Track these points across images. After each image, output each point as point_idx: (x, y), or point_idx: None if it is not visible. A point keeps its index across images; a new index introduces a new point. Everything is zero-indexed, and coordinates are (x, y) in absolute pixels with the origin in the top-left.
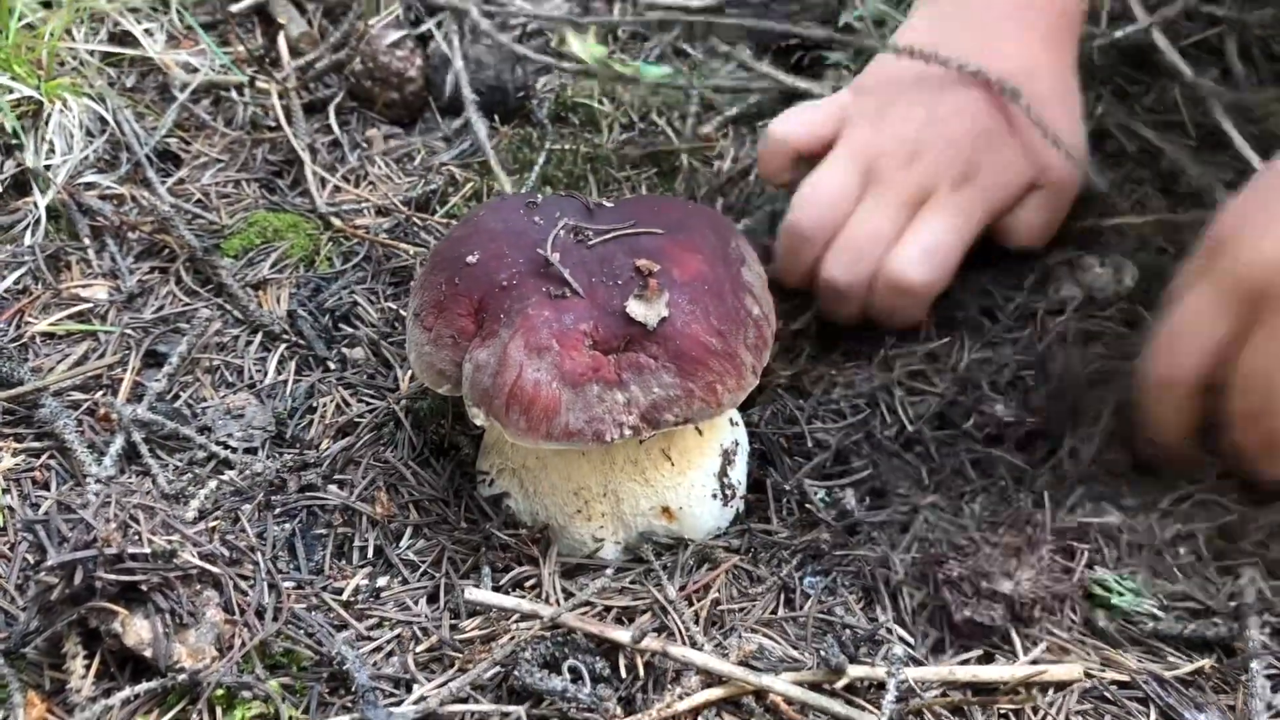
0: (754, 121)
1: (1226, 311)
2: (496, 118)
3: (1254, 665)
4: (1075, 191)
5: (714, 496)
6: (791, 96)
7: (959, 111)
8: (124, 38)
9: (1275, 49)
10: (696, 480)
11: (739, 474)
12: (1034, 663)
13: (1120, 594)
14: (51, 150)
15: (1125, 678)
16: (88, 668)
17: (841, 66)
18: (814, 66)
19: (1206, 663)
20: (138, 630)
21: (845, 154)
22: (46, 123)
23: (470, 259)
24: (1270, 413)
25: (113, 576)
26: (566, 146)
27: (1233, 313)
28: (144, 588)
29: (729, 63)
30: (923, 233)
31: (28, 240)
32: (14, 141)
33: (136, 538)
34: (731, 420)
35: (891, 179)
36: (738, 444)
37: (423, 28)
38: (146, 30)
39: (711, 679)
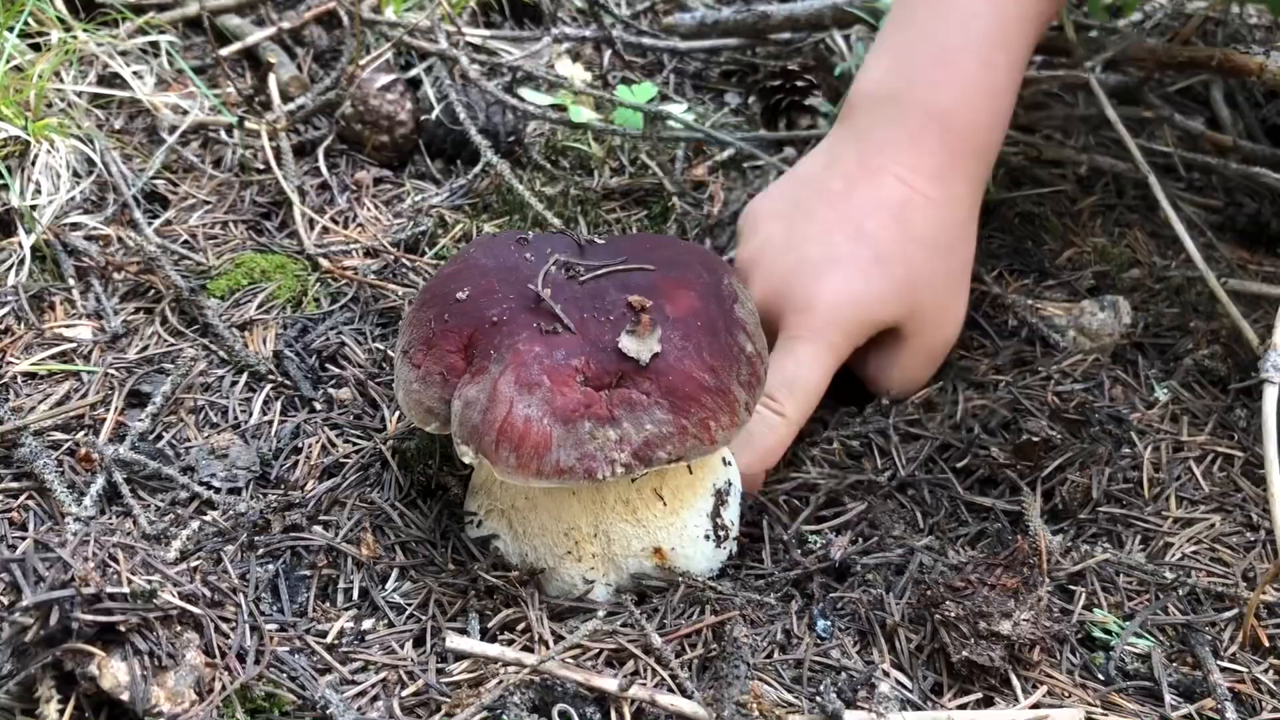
0: (744, 164)
1: None
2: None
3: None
4: (941, 351)
5: (707, 537)
6: (776, 144)
7: (818, 239)
8: (113, 80)
9: (1259, 97)
10: (689, 520)
11: (732, 514)
12: (1034, 707)
13: (1117, 635)
14: (38, 190)
15: None
16: (61, 712)
17: (819, 114)
18: (792, 111)
19: (1208, 703)
20: (115, 673)
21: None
22: (33, 163)
23: (460, 295)
24: None
25: (90, 617)
26: (557, 189)
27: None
28: (122, 629)
29: (720, 108)
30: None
31: (11, 280)
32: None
33: (115, 577)
34: (725, 460)
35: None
36: (731, 484)
37: (413, 72)
38: (136, 73)
39: None
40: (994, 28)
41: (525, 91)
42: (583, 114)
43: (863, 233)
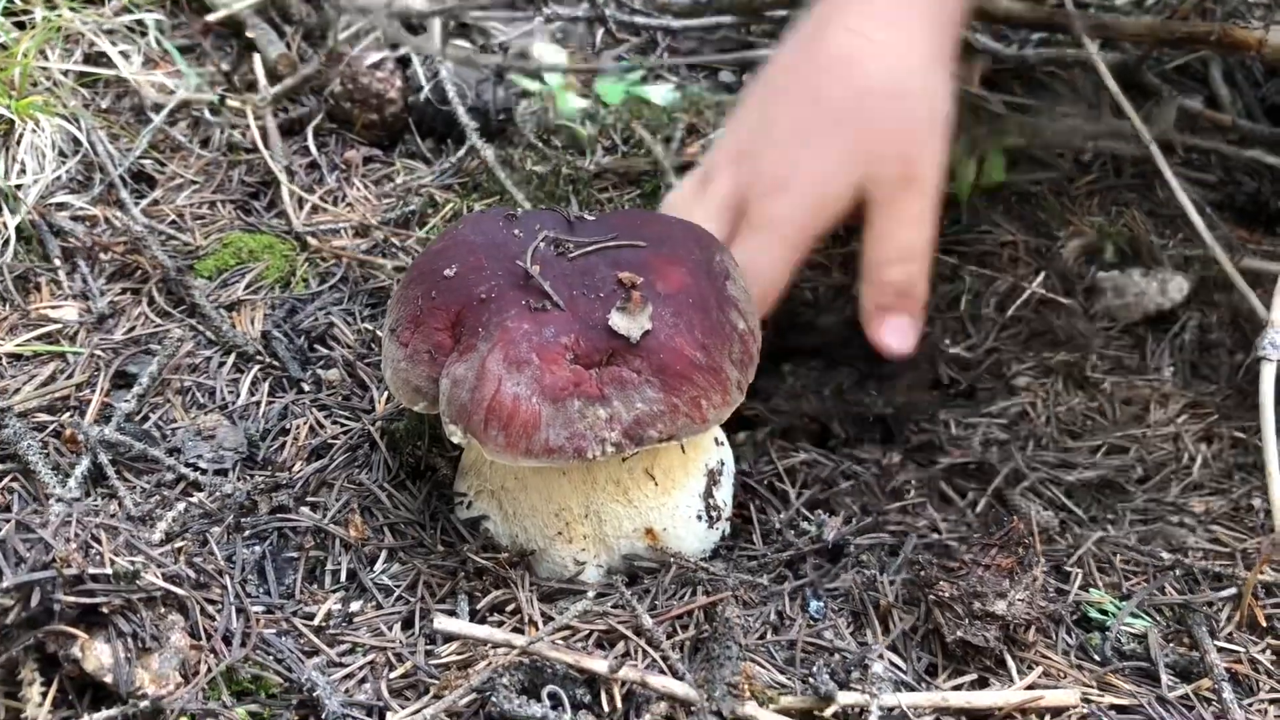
0: None
1: None
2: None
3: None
4: (921, 209)
5: (699, 518)
6: None
7: (783, 114)
8: (99, 59)
9: (1258, 75)
10: (681, 501)
11: (724, 495)
12: (1030, 688)
13: (1113, 615)
14: (22, 170)
15: (1124, 701)
16: (45, 695)
17: None
18: None
19: (1204, 683)
20: (98, 655)
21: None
22: (18, 142)
23: (448, 272)
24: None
25: (72, 599)
26: (549, 168)
27: None
28: (105, 610)
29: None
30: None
31: None
32: None
33: (98, 558)
34: (717, 440)
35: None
36: (723, 464)
37: (402, 49)
38: (122, 52)
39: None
40: None
41: (521, 61)
42: (570, 103)
43: (818, 95)
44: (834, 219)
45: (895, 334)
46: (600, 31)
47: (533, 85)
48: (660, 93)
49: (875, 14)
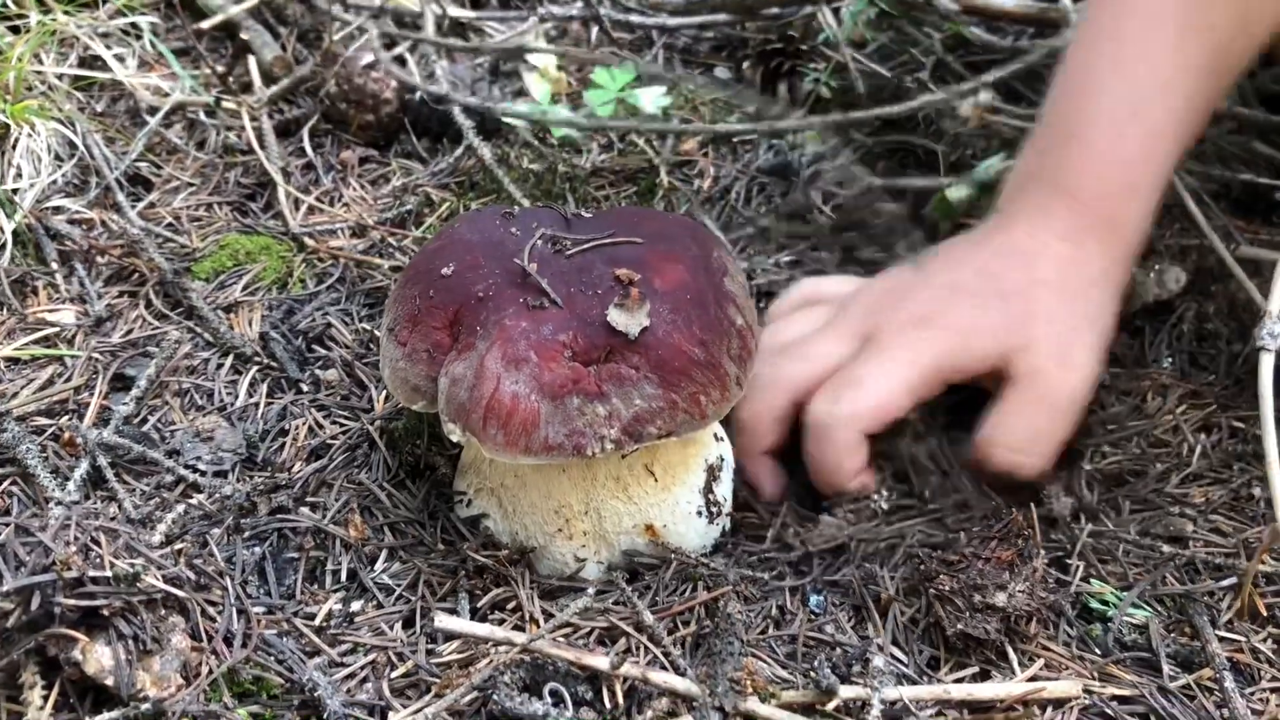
0: (734, 140)
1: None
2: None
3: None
4: (1064, 402)
5: (699, 514)
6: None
7: (946, 273)
8: (94, 62)
9: (1254, 64)
10: (681, 497)
11: (725, 490)
12: (1031, 680)
13: (1115, 606)
14: (18, 174)
15: (1126, 692)
16: (46, 698)
17: (821, 82)
18: (792, 75)
19: (1206, 673)
20: (99, 658)
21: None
22: (13, 146)
23: (445, 271)
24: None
25: (72, 601)
26: (545, 166)
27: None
28: (105, 613)
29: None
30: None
31: None
32: None
33: (98, 561)
34: (716, 435)
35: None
36: (723, 459)
37: (398, 49)
38: (117, 55)
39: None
40: (1122, 100)
41: (507, 106)
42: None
43: (988, 270)
44: (966, 373)
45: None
46: (595, 30)
47: (523, 109)
48: (651, 96)
49: (1055, 229)
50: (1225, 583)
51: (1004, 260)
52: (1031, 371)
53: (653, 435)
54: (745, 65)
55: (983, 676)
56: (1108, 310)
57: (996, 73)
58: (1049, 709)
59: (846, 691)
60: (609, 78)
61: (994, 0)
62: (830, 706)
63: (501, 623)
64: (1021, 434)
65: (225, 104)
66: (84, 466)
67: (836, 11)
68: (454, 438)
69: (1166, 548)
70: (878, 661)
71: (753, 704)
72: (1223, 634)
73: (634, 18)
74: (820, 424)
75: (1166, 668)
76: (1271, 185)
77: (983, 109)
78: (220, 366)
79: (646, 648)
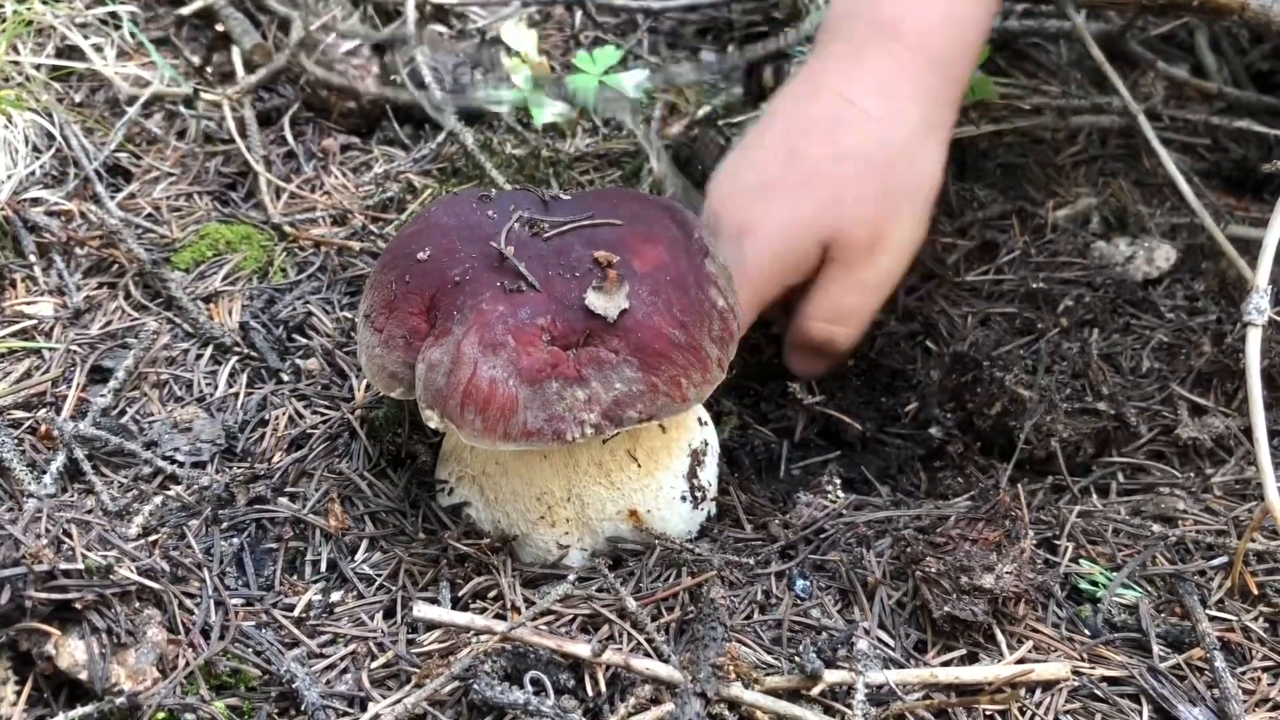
0: (719, 122)
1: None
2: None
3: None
4: (872, 281)
5: (683, 499)
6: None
7: (756, 167)
8: (71, 52)
9: (1244, 42)
10: (665, 482)
11: (709, 475)
12: (1020, 662)
13: (1104, 587)
14: None
15: (1116, 673)
16: (19, 694)
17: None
18: (777, 57)
19: (1196, 652)
20: (72, 652)
21: None
22: None
23: (421, 255)
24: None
25: (44, 595)
26: (528, 151)
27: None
28: (78, 606)
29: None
30: None
31: None
32: None
33: (70, 553)
34: (700, 420)
35: None
36: (707, 444)
37: (379, 36)
38: (95, 45)
39: None
40: None
41: (482, 94)
42: (545, 114)
43: (795, 153)
44: (794, 273)
45: (805, 364)
46: (579, 14)
47: (505, 96)
48: (634, 80)
49: (866, 82)
50: (1215, 562)
51: (808, 137)
52: (843, 256)
53: (633, 419)
54: (730, 48)
55: (970, 659)
56: (928, 169)
57: None
58: (1038, 691)
59: (831, 676)
60: (591, 61)
61: None
62: (815, 691)
63: (483, 612)
64: (834, 309)
65: (205, 94)
66: (61, 459)
67: None
68: (432, 424)
69: (1156, 527)
70: (862, 645)
71: (736, 690)
72: (1213, 613)
73: (618, 1)
74: None
75: (1156, 648)
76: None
77: None
78: (199, 357)
79: (629, 634)
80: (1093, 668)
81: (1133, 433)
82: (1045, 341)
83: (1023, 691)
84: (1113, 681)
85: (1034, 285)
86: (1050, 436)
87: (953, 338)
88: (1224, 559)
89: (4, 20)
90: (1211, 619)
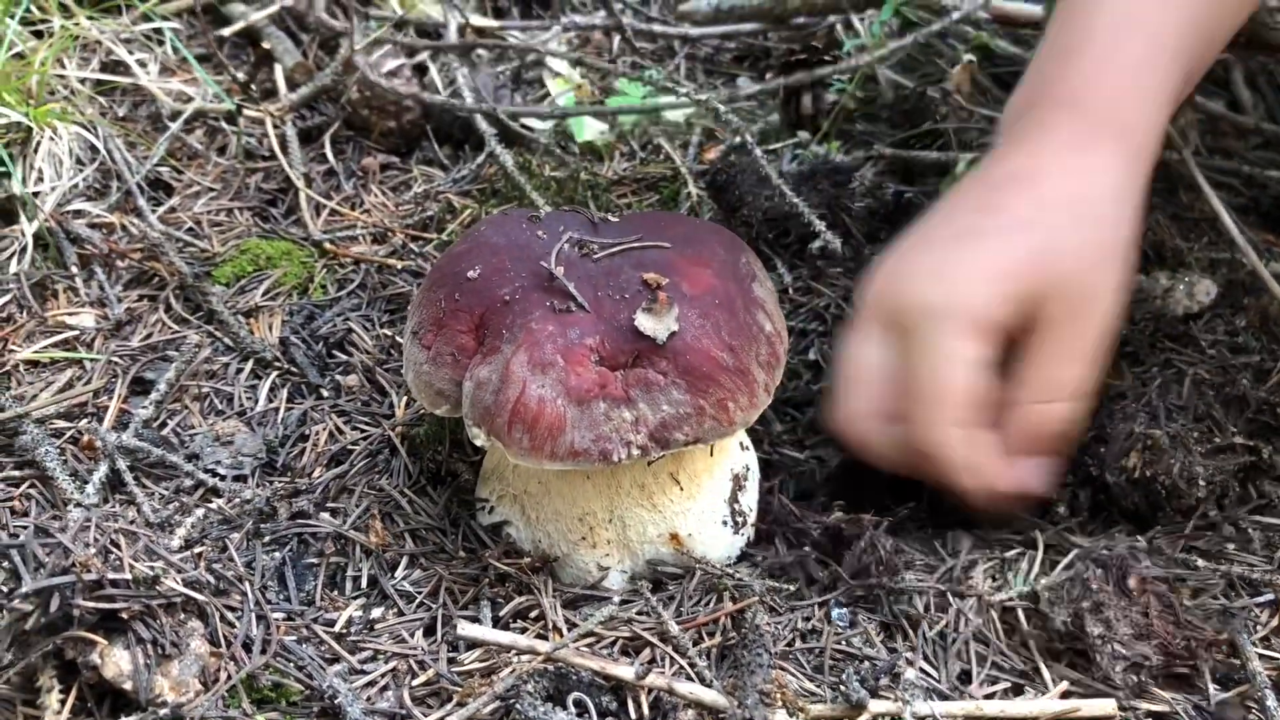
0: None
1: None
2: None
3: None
4: (1096, 329)
5: (724, 523)
6: (795, 126)
7: (944, 226)
8: (116, 67)
9: None
10: (706, 506)
11: (750, 500)
12: (1065, 695)
13: None
14: (40, 177)
15: (1162, 708)
16: (63, 702)
17: (846, 93)
18: (814, 85)
19: (1245, 689)
20: (117, 661)
21: None
22: (35, 150)
23: (471, 274)
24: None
25: (91, 604)
26: (567, 174)
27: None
28: (124, 616)
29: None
30: None
31: (13, 268)
32: (0, 169)
33: (117, 563)
34: (742, 444)
35: None
36: (749, 469)
37: (419, 56)
38: (140, 61)
39: None
40: (1119, 11)
41: (530, 121)
42: (586, 131)
43: (991, 204)
44: (990, 332)
45: (1030, 473)
46: (617, 39)
47: (546, 125)
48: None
49: (1060, 139)
50: (1263, 599)
51: (1002, 191)
52: (1058, 316)
53: (680, 442)
54: (768, 75)
55: (1015, 692)
56: (1127, 223)
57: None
58: None
59: (877, 705)
60: (632, 86)
61: (1025, 8)
62: None
63: (524, 632)
64: (1050, 382)
65: (247, 110)
66: (103, 469)
67: (864, 20)
68: (478, 442)
69: (1202, 563)
70: (909, 674)
71: (780, 717)
72: (1261, 651)
73: (656, 28)
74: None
75: (1204, 685)
76: None
77: (971, 69)
78: (240, 371)
79: (672, 658)
80: (1140, 702)
81: (1269, 468)
82: (1156, 388)
83: None
84: (1160, 718)
85: None
86: (1194, 481)
87: None
88: (1270, 596)
89: (51, 35)
90: (1261, 657)
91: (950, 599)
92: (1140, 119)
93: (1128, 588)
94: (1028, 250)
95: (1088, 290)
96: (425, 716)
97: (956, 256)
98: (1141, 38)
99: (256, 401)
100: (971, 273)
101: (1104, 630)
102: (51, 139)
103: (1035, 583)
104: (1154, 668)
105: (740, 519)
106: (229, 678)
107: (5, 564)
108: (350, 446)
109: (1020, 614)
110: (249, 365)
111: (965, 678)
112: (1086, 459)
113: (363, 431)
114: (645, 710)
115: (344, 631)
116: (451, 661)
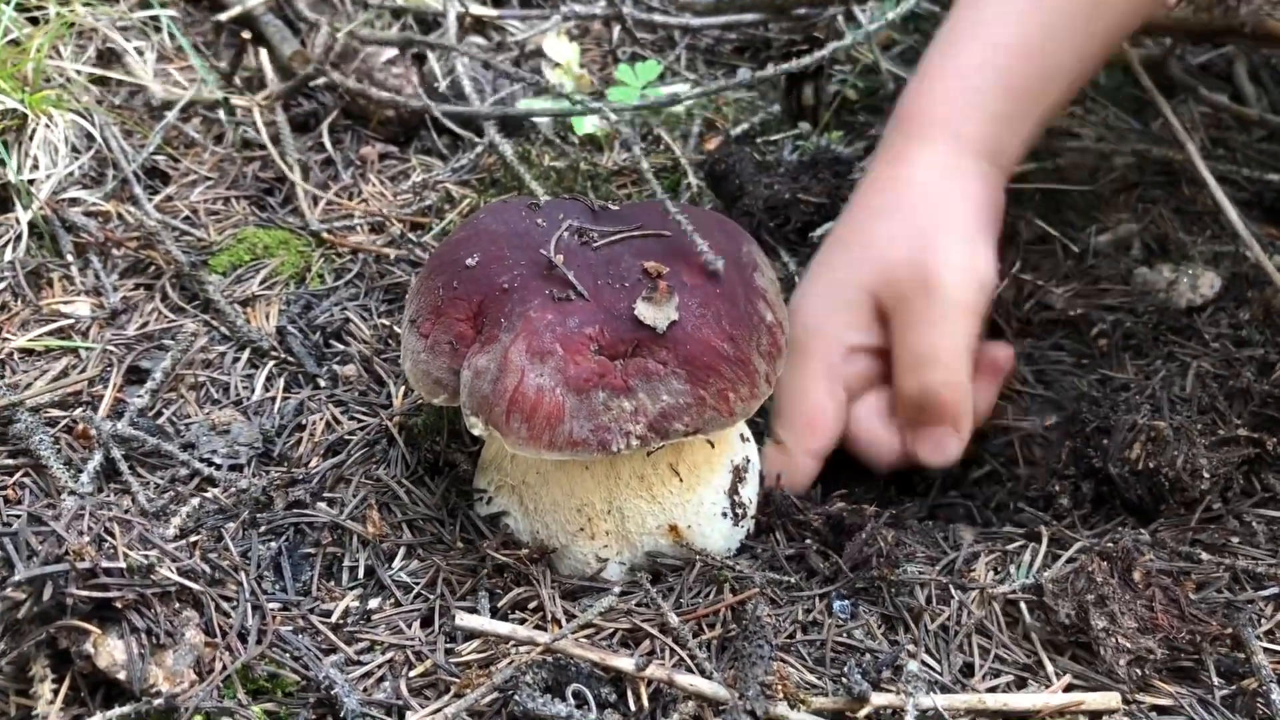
0: (757, 139)
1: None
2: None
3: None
4: (944, 300)
5: (724, 515)
6: (796, 117)
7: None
8: (112, 55)
9: None
10: (706, 498)
11: (750, 492)
12: (1068, 689)
13: None
14: (35, 165)
15: (1166, 702)
16: (56, 692)
17: (848, 84)
18: (816, 76)
19: (1250, 683)
20: (111, 651)
21: None
22: (30, 137)
23: (470, 262)
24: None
25: (85, 593)
26: (566, 164)
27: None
28: (119, 605)
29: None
30: None
31: (8, 256)
32: None
33: (111, 552)
34: (743, 436)
35: None
36: (749, 460)
37: (417, 48)
38: (136, 49)
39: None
40: (952, 37)
41: (525, 103)
42: (586, 125)
43: (838, 239)
44: (853, 328)
45: (929, 446)
46: (618, 29)
47: (547, 106)
48: (673, 94)
49: (882, 157)
50: (1267, 592)
51: (846, 217)
52: (899, 302)
53: (680, 432)
54: (769, 66)
55: (1018, 685)
56: (960, 202)
57: None
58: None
59: (879, 698)
60: (633, 75)
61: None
62: (862, 714)
63: (522, 622)
64: (913, 354)
65: (244, 99)
66: (98, 458)
67: (865, 10)
68: (476, 431)
69: (1206, 556)
70: (912, 667)
71: (782, 709)
72: (1266, 645)
73: (657, 17)
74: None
75: (1208, 678)
76: None
77: None
78: (237, 360)
79: (672, 650)
80: (1144, 696)
81: (1273, 461)
82: (1159, 380)
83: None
84: (1164, 711)
85: (1073, 312)
86: (1197, 473)
87: (1048, 388)
88: (1275, 590)
89: (47, 22)
90: (1266, 651)
91: (952, 591)
92: (955, 111)
93: (1132, 581)
94: (851, 258)
95: (915, 272)
96: (423, 707)
97: (818, 266)
98: (979, 46)
99: (253, 391)
100: (823, 282)
101: (1108, 623)
102: (47, 126)
103: (1038, 575)
104: (1158, 661)
105: (740, 510)
106: (224, 668)
107: None
108: (347, 436)
109: (1023, 606)
110: (245, 354)
111: (968, 670)
112: (1089, 450)
113: (360, 421)
114: (645, 702)
115: (341, 622)
116: (449, 652)
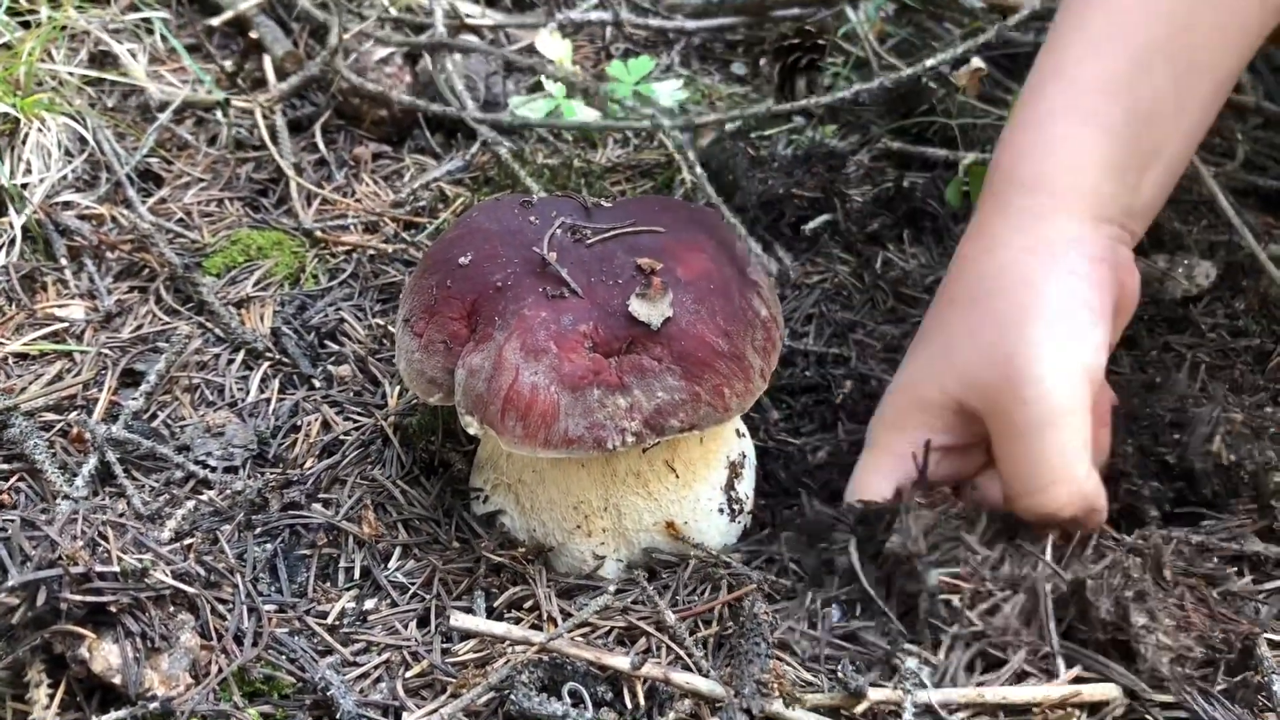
0: (752, 134)
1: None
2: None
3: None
4: (1039, 405)
5: (720, 511)
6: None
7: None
8: (104, 58)
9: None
10: (702, 494)
11: (746, 487)
12: (1070, 682)
13: None
14: (28, 169)
15: (1168, 697)
16: (52, 697)
17: (841, 77)
18: (810, 70)
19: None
20: (106, 655)
21: None
22: (23, 141)
23: (463, 260)
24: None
25: (79, 597)
26: (560, 161)
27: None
28: (113, 609)
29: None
30: None
31: (1, 260)
32: None
33: (105, 556)
34: (738, 431)
35: None
36: (745, 456)
37: (410, 46)
38: (129, 51)
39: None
40: (1034, 82)
41: (515, 101)
42: (578, 113)
43: (938, 299)
44: (931, 430)
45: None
46: (610, 27)
47: (537, 107)
48: (668, 90)
49: (968, 234)
50: (1270, 585)
51: (933, 304)
52: (989, 406)
53: (675, 428)
54: (763, 61)
55: (1018, 679)
56: (1047, 284)
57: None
58: (1086, 713)
59: (876, 694)
60: (625, 71)
61: None
62: (859, 710)
63: (518, 622)
64: (1016, 474)
65: (237, 100)
66: (92, 462)
67: (851, 7)
68: (471, 430)
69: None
70: (909, 663)
71: (778, 706)
72: (1270, 636)
73: (652, 21)
74: None
75: (1210, 671)
76: None
77: (978, 74)
78: (231, 362)
79: (668, 648)
80: (1146, 690)
81: None
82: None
83: (1073, 713)
84: (1165, 705)
85: None
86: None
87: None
88: (1278, 583)
89: (39, 26)
90: (1270, 643)
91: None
92: (1035, 170)
93: (1163, 579)
94: (926, 358)
95: (1001, 372)
96: (419, 708)
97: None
98: (1061, 85)
99: (248, 392)
100: (902, 378)
101: (1148, 620)
102: (40, 130)
103: (1077, 570)
104: (1198, 660)
105: (737, 506)
106: (220, 671)
107: None
108: (342, 437)
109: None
110: (240, 356)
111: (968, 665)
112: (1160, 448)
113: (355, 422)
114: (641, 700)
115: (336, 623)
116: (445, 653)
